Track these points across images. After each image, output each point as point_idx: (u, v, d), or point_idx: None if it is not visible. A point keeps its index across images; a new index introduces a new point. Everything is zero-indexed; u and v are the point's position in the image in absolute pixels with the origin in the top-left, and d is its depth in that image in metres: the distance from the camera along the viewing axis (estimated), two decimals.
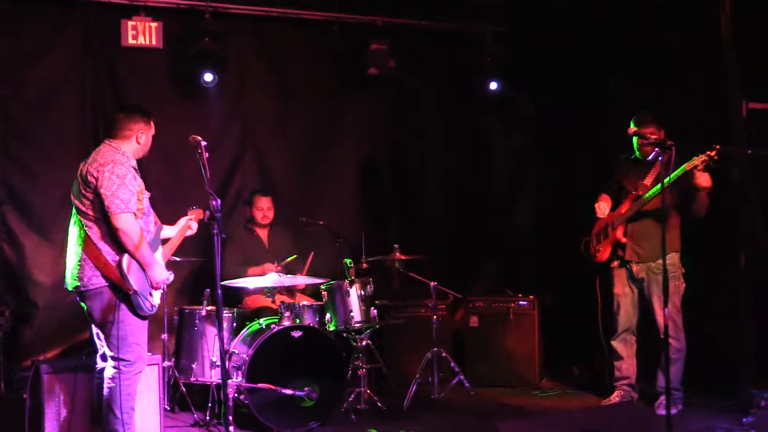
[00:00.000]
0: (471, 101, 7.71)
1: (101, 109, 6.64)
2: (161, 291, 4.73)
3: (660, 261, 5.25)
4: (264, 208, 6.51)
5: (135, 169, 4.62)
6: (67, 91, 6.61)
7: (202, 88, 6.76)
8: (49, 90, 6.56)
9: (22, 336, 6.36)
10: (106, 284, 4.45)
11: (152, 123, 4.76)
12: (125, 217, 4.42)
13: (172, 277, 4.74)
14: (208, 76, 6.66)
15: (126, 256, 4.44)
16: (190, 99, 6.90)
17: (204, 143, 4.28)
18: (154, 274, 4.56)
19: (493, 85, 7.44)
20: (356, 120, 7.49)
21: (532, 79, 7.43)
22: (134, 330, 4.52)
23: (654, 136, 5.32)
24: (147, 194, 4.66)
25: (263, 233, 6.57)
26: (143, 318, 4.58)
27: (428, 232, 7.59)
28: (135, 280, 4.45)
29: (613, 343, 5.82)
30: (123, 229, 4.40)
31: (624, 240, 5.70)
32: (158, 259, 4.69)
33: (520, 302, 6.73)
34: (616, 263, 5.79)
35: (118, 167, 4.48)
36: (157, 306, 4.65)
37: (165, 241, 4.97)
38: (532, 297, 6.75)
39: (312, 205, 7.16)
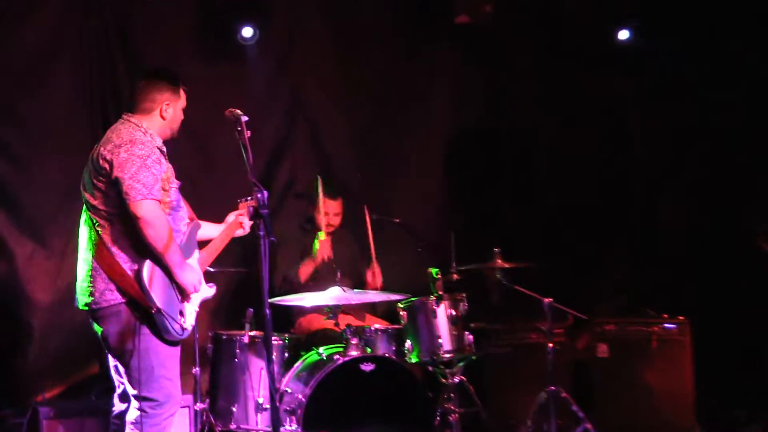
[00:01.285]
0: (594, 57, 7.60)
1: (110, 77, 6.75)
2: (195, 310, 4.72)
3: None
4: (330, 214, 6.55)
5: (161, 150, 4.64)
6: (66, 56, 6.69)
7: (239, 46, 6.86)
8: (43, 56, 6.63)
9: (15, 370, 6.45)
10: (123, 300, 4.46)
11: (182, 92, 4.80)
12: (148, 204, 4.39)
13: (213, 290, 4.79)
14: (247, 31, 6.76)
15: (147, 264, 4.43)
16: (224, 62, 6.99)
17: (245, 118, 4.33)
18: (184, 277, 4.55)
19: (624, 34, 7.40)
20: (441, 83, 7.53)
21: (678, 28, 7.29)
22: (162, 360, 4.52)
23: None
24: (176, 183, 4.66)
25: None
26: (173, 344, 4.58)
27: (539, 232, 7.60)
28: (159, 294, 4.45)
29: None
30: (145, 219, 4.37)
31: None
32: (193, 265, 4.69)
33: (666, 325, 6.69)
34: None
35: (138, 147, 4.48)
36: (190, 328, 4.64)
37: (203, 244, 4.95)
38: (682, 318, 6.69)
39: (385, 197, 7.21)
